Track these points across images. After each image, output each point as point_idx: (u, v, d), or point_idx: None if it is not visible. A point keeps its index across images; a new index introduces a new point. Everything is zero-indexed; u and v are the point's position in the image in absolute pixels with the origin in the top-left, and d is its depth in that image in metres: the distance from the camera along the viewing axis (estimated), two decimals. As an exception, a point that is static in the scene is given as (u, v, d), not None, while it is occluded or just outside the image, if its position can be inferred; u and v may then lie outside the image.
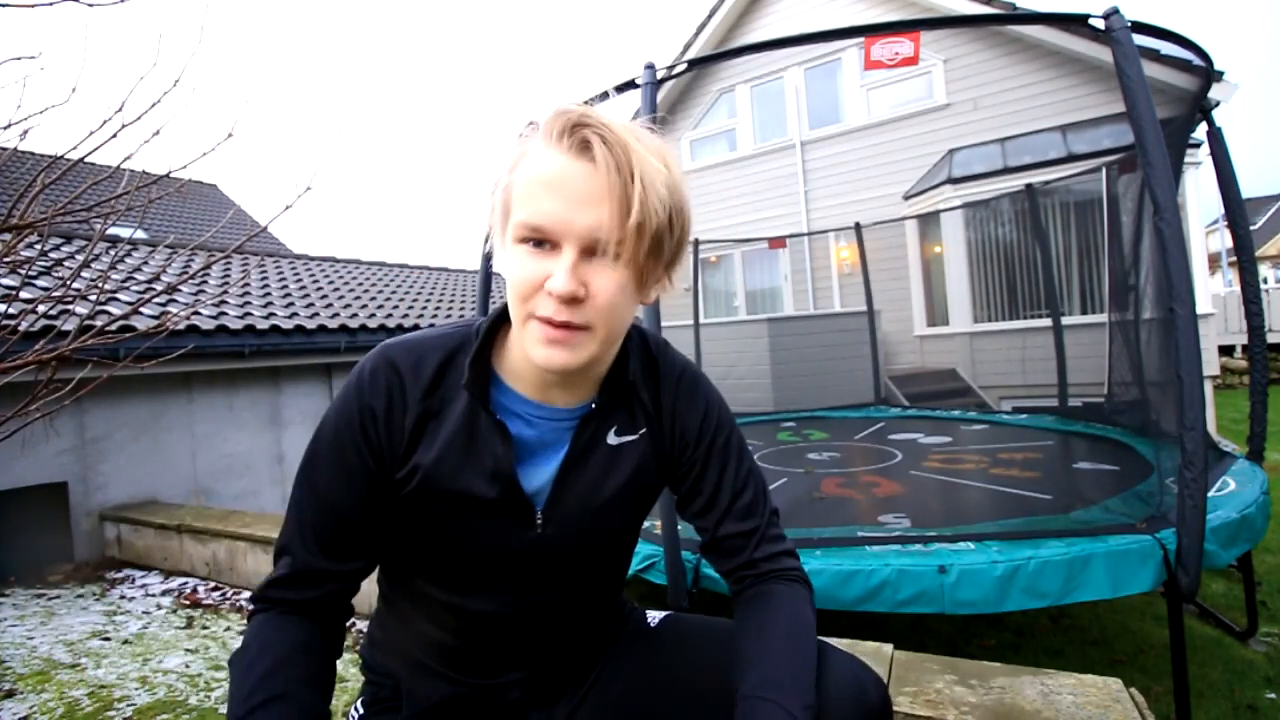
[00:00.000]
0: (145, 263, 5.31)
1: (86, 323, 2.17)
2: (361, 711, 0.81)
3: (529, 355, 0.64)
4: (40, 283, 3.70)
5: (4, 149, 1.74)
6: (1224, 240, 14.88)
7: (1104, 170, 4.77)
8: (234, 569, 3.10)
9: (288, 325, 4.80)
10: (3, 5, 1.50)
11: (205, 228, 11.92)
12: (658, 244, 0.63)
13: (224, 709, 1.87)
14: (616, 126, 0.61)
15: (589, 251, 0.61)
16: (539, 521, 0.73)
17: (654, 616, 0.88)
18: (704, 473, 0.78)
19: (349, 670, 2.11)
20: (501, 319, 0.72)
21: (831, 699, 0.67)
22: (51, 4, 1.51)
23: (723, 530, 0.78)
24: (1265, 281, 14.60)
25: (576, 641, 0.83)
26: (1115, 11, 1.90)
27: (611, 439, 0.75)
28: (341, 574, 0.70)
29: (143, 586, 3.16)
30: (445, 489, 0.69)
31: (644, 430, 0.77)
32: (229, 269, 6.57)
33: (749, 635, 0.72)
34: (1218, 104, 4.13)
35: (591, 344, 0.64)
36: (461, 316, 3.99)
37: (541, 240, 0.61)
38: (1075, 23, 2.13)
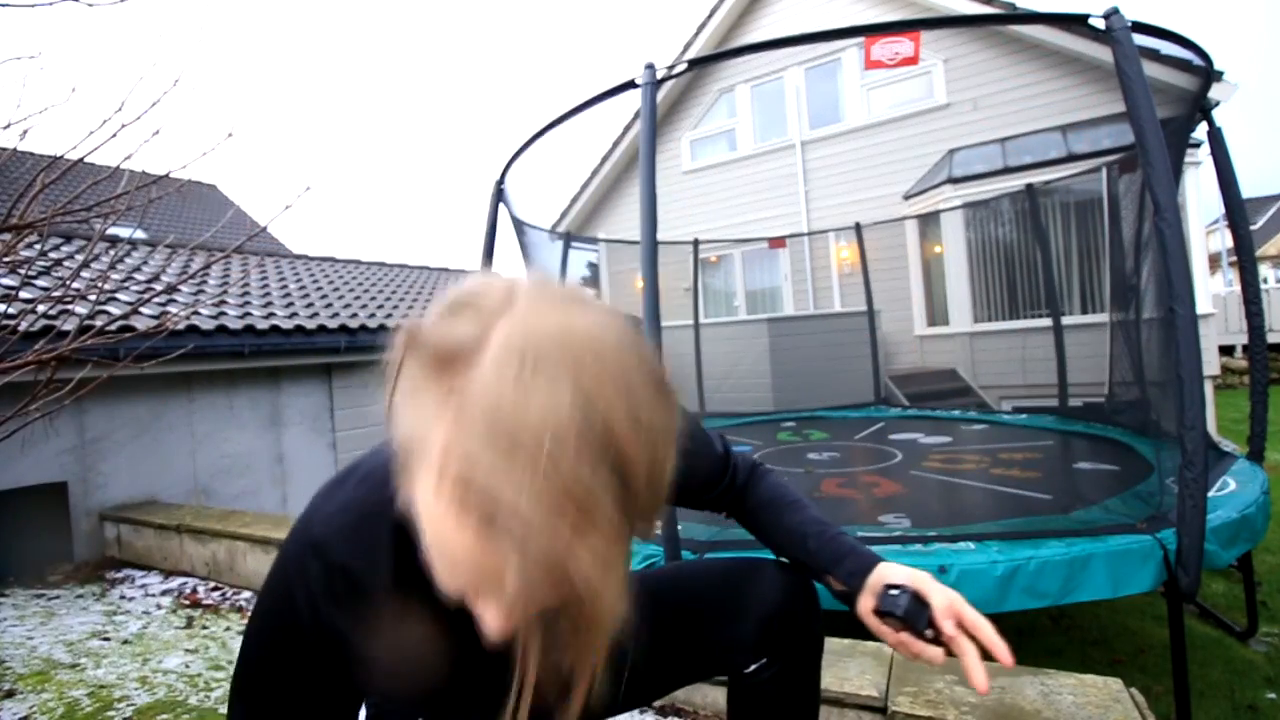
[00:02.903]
0: (145, 263, 5.31)
1: (86, 323, 2.17)
2: None
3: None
4: (40, 283, 3.70)
5: (4, 149, 1.74)
6: (1224, 240, 14.87)
7: (1104, 170, 4.77)
8: (234, 569, 3.10)
9: (288, 325, 4.80)
10: (3, 5, 1.50)
11: (205, 228, 11.92)
12: None
13: (224, 709, 1.87)
14: None
15: None
16: None
17: None
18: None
19: None
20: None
21: (762, 599, 0.81)
22: (51, 4, 1.51)
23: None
24: (1265, 281, 14.59)
25: None
26: (1115, 11, 1.90)
27: None
28: None
29: (142, 586, 3.16)
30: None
31: None
32: (229, 269, 6.56)
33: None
34: (1218, 104, 4.14)
35: None
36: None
37: None
38: (1075, 23, 2.13)
